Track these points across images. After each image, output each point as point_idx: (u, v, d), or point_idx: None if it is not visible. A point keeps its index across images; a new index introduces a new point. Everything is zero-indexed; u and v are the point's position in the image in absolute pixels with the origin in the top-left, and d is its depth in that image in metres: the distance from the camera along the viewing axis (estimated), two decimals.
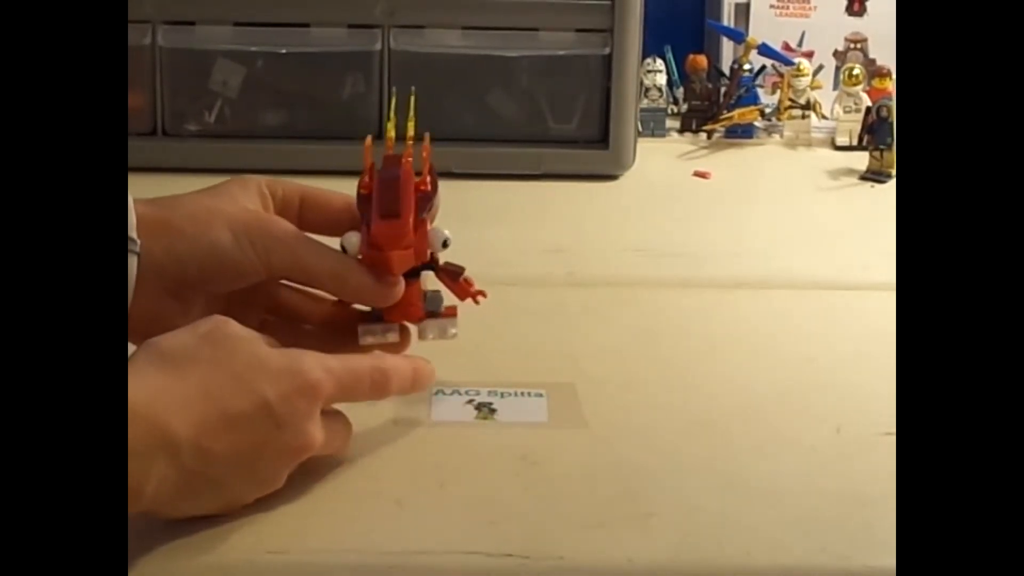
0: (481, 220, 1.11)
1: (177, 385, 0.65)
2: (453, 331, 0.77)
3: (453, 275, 0.78)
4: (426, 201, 0.76)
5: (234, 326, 0.69)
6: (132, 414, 0.62)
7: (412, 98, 0.78)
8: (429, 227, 0.76)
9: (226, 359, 0.67)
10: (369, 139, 0.78)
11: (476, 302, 0.78)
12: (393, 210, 0.74)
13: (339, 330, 0.78)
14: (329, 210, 0.79)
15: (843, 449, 0.78)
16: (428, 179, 0.76)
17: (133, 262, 0.73)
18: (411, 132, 0.78)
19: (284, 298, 0.80)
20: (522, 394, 0.83)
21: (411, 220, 0.74)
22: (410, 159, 0.76)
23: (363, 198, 0.76)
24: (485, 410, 0.81)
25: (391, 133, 0.78)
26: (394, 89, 0.80)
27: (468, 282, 0.78)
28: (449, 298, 0.78)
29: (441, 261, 0.77)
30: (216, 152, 1.23)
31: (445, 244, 0.76)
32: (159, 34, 1.22)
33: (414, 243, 0.74)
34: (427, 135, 0.78)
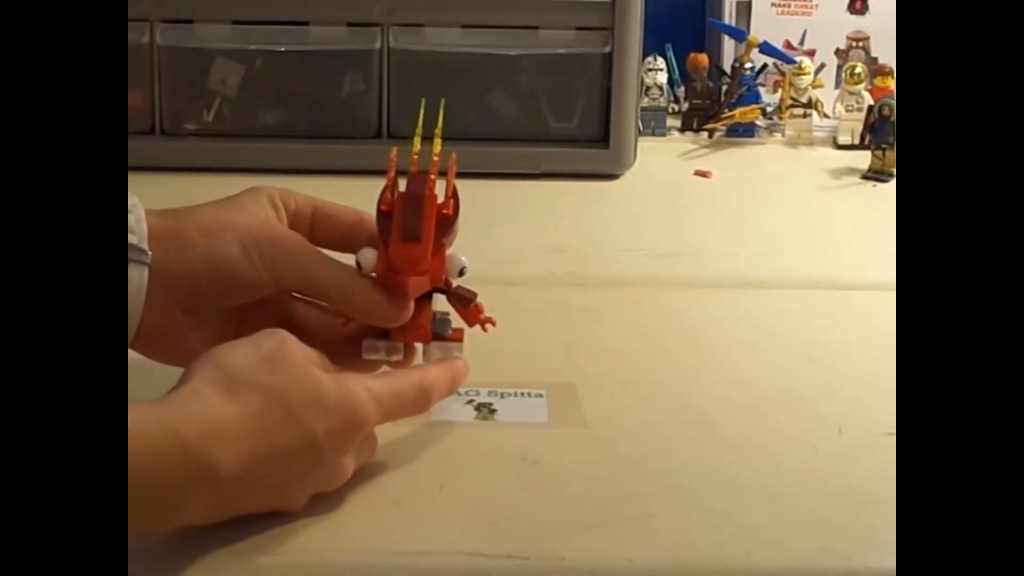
0: (481, 220, 1.11)
1: (231, 416, 0.65)
2: (457, 355, 0.76)
3: (464, 301, 0.77)
4: (447, 225, 0.74)
5: (295, 348, 0.69)
6: (182, 445, 0.63)
7: (441, 110, 0.77)
8: (447, 252, 0.75)
9: (283, 387, 0.67)
10: (395, 151, 0.76)
11: (484, 330, 0.78)
12: (414, 234, 0.72)
13: (350, 345, 0.77)
14: (341, 224, 0.78)
15: (844, 449, 0.78)
16: (451, 202, 0.75)
17: (144, 273, 0.72)
18: (438, 148, 0.76)
19: (297, 312, 0.79)
20: (522, 394, 0.83)
21: (431, 245, 0.73)
22: (435, 178, 0.74)
23: (383, 215, 0.74)
24: (485, 410, 0.81)
25: (417, 146, 0.76)
26: (423, 100, 0.79)
27: (479, 308, 0.77)
28: (458, 321, 0.78)
29: (454, 285, 0.77)
30: (215, 151, 1.22)
31: (462, 272, 0.75)
32: (157, 33, 1.22)
33: (431, 268, 0.74)
34: (453, 155, 0.76)
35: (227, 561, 0.66)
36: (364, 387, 0.69)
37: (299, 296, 0.79)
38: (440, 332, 0.76)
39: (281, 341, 0.69)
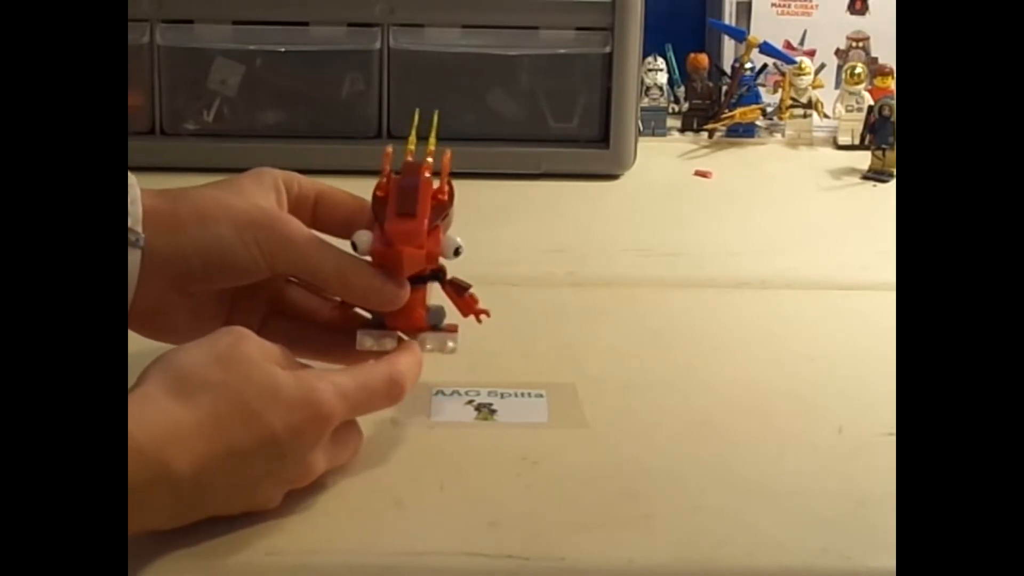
0: (481, 220, 1.11)
1: (184, 417, 0.64)
2: (452, 345, 0.77)
3: (459, 289, 0.77)
4: (442, 210, 0.75)
5: (251, 345, 0.68)
6: (135, 448, 0.62)
7: (435, 119, 0.78)
8: (442, 234, 0.75)
9: (238, 385, 0.66)
10: (389, 148, 0.77)
11: (479, 320, 0.78)
12: (409, 209, 0.73)
13: (343, 331, 0.77)
14: (343, 210, 0.78)
15: (844, 449, 0.78)
16: (446, 189, 0.76)
17: (136, 255, 0.72)
18: (432, 148, 0.77)
19: (290, 296, 0.79)
20: (522, 394, 0.83)
21: (426, 222, 0.74)
22: (429, 169, 0.75)
23: (378, 200, 0.75)
24: (485, 410, 0.81)
25: (412, 147, 0.77)
26: (417, 109, 0.79)
27: (473, 298, 0.77)
28: (452, 316, 0.78)
29: (449, 275, 0.77)
30: (215, 151, 1.22)
31: (457, 252, 0.75)
32: (157, 33, 1.22)
33: (427, 245, 0.74)
34: (448, 151, 0.77)
35: (225, 561, 0.66)
36: (327, 381, 0.68)
37: (294, 280, 0.79)
38: (434, 323, 0.77)
39: (236, 339, 0.68)
